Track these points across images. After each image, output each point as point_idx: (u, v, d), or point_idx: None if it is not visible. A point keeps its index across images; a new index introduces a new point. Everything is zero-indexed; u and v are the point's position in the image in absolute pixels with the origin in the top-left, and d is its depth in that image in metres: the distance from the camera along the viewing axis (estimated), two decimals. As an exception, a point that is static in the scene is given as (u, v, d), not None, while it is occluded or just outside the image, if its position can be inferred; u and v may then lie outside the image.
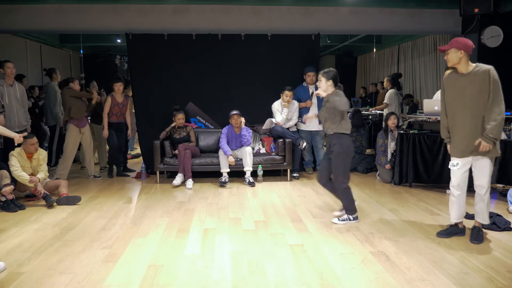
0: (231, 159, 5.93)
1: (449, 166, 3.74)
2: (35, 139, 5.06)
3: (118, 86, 6.42)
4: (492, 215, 4.05)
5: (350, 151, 4.18)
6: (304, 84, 6.51)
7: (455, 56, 3.50)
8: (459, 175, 3.68)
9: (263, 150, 6.50)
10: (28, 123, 5.96)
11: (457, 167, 3.66)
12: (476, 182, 3.64)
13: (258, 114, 6.67)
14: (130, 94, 6.91)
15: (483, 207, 3.63)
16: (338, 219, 4.23)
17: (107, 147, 7.56)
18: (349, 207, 4.22)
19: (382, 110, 8.09)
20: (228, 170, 5.97)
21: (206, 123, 6.89)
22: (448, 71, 5.20)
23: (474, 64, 3.53)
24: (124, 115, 6.57)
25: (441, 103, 3.79)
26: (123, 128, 6.62)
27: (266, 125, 6.42)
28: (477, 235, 3.67)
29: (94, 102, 6.57)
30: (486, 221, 3.68)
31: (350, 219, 4.22)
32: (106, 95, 6.84)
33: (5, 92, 5.57)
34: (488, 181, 3.59)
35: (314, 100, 6.38)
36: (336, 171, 4.14)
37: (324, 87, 4.10)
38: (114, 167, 6.73)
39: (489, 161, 3.55)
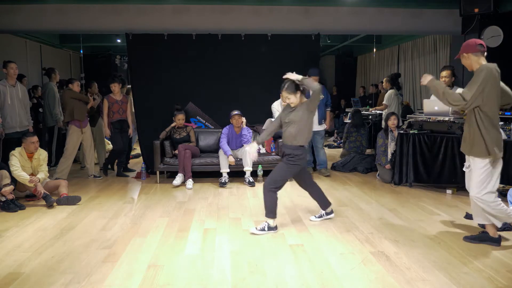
0: (231, 159, 5.93)
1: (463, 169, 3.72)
2: (35, 138, 5.08)
3: (113, 87, 6.46)
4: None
5: (298, 164, 3.98)
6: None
7: (465, 61, 3.47)
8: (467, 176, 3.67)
9: (263, 150, 6.50)
10: (30, 124, 5.99)
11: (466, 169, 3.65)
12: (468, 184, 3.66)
13: (258, 114, 6.67)
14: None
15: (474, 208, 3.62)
16: (256, 228, 3.94)
17: (108, 147, 7.55)
18: (272, 210, 3.94)
19: (382, 111, 8.09)
20: (228, 170, 5.97)
21: (206, 123, 6.89)
22: (444, 72, 5.19)
23: (482, 63, 3.39)
24: (126, 112, 6.58)
25: None
26: (126, 127, 6.62)
27: (266, 125, 6.42)
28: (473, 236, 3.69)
29: (89, 106, 6.56)
30: (479, 221, 3.63)
31: (269, 225, 3.94)
32: (102, 97, 6.86)
33: (7, 92, 5.64)
34: (475, 185, 3.49)
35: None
36: (274, 176, 3.95)
37: (296, 100, 3.91)
38: (113, 166, 6.72)
39: (478, 161, 3.44)
